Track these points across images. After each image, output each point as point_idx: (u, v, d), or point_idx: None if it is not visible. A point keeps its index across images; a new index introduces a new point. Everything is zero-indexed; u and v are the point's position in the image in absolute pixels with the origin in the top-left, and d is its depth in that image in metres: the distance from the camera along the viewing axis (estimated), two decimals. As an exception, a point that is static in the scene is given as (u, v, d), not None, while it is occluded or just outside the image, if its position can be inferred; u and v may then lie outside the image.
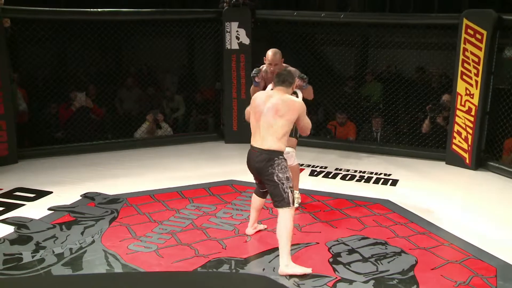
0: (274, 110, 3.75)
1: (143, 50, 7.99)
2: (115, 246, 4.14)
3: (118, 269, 3.80)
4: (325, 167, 6.31)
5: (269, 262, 3.93)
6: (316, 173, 6.13)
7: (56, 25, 6.70)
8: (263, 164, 3.77)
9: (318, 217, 4.80)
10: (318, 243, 4.26)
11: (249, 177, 5.64)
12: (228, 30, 7.10)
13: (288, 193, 3.75)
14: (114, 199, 5.14)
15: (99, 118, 7.57)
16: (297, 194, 4.93)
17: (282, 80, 3.90)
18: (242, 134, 7.28)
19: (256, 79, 4.65)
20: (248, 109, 4.28)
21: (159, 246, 4.15)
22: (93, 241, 4.21)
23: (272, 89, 4.03)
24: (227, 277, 3.77)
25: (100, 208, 4.91)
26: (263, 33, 7.80)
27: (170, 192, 5.36)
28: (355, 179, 5.93)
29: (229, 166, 6.28)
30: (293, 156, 4.78)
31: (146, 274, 3.77)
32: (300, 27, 7.50)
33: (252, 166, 3.91)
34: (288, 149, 4.54)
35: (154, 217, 4.74)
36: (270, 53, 4.61)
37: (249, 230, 4.39)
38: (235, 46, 7.14)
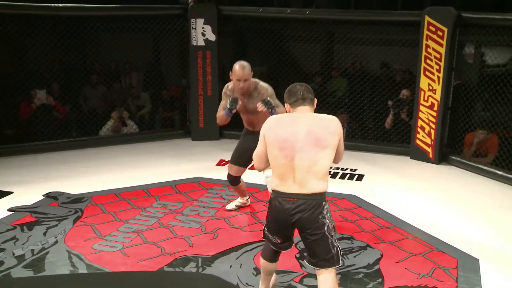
0: (315, 140, 2.83)
1: (108, 46, 7.86)
2: (79, 246, 4.08)
3: (82, 269, 3.74)
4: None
5: (236, 259, 3.93)
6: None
7: (16, 19, 6.53)
8: (309, 214, 2.83)
9: (285, 213, 4.81)
10: (285, 239, 4.27)
11: (216, 174, 5.69)
12: (194, 26, 7.05)
13: (336, 246, 2.92)
14: (78, 198, 5.05)
15: (62, 116, 7.42)
16: None
17: (302, 97, 2.95)
18: (208, 131, 7.27)
19: (233, 111, 4.09)
20: (222, 114, 4.08)
21: (124, 245, 4.10)
22: (56, 242, 4.13)
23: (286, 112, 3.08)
24: (172, 277, 3.73)
25: (63, 208, 4.82)
26: (229, 29, 7.78)
27: (135, 191, 5.30)
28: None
29: (195, 163, 6.24)
30: None
31: (111, 274, 3.72)
32: (266, 23, 7.51)
33: (285, 220, 2.90)
34: (268, 172, 3.87)
35: (119, 216, 4.68)
36: (237, 67, 4.02)
37: None
38: (201, 42, 7.09)
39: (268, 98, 3.99)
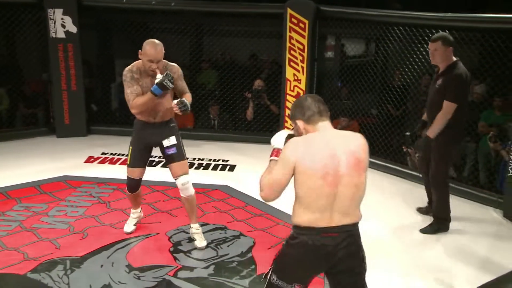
0: (357, 162, 2.38)
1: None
2: None
3: None
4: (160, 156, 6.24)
5: (108, 257, 3.80)
6: (154, 163, 6.03)
7: None
8: (354, 250, 2.42)
9: (158, 207, 4.75)
10: (158, 233, 4.22)
11: (85, 172, 5.44)
12: (52, 17, 6.65)
13: (364, 278, 2.52)
14: None
15: None
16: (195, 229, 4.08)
17: (318, 110, 2.46)
18: (74, 127, 6.94)
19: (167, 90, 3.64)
20: (147, 97, 3.59)
21: (-20, 254, 3.77)
22: None
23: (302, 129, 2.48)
24: None
25: None
26: (92, 21, 7.45)
27: (-7, 194, 4.90)
28: (194, 167, 5.97)
29: (62, 162, 5.92)
30: (191, 184, 3.98)
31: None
32: (132, 15, 7.30)
33: (322, 262, 2.41)
34: (186, 178, 3.89)
35: (-26, 223, 4.30)
36: (149, 46, 3.60)
37: None
38: (61, 34, 6.72)
39: (185, 100, 3.68)
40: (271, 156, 2.59)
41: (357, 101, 6.60)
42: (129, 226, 4.25)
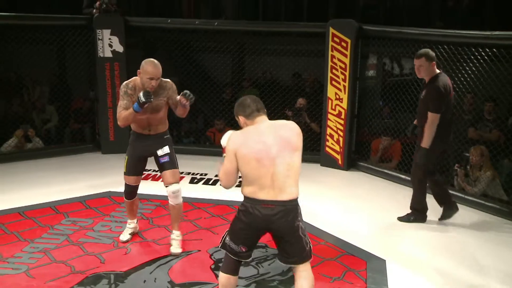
0: (286, 143, 2.94)
1: (7, 58, 7.47)
2: (-23, 271, 3.81)
3: (-19, 295, 3.51)
4: (205, 174, 6.32)
5: (150, 273, 3.86)
6: (196, 180, 6.11)
7: None
8: (289, 220, 2.95)
9: (200, 225, 4.80)
10: (200, 250, 4.25)
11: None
12: (100, 37, 6.87)
13: (309, 243, 3.08)
14: (-23, 220, 4.73)
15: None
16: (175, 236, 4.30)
17: (256, 108, 3.04)
18: (119, 144, 7.06)
19: (146, 106, 3.86)
20: (129, 112, 3.87)
21: (30, 266, 3.89)
22: (-49, 268, 3.84)
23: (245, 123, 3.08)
24: None
25: (-40, 231, 4.50)
26: (138, 40, 7.65)
27: (42, 208, 5.05)
28: (236, 185, 5.99)
29: (106, 178, 6.06)
30: (181, 193, 4.22)
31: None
32: (176, 34, 7.47)
33: (261, 227, 2.99)
34: (176, 186, 4.13)
35: (24, 235, 4.43)
36: (150, 65, 3.90)
37: None
38: (108, 54, 6.92)
39: (186, 91, 3.97)
40: (223, 153, 3.09)
41: (399, 120, 6.53)
42: (125, 235, 4.44)
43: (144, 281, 3.75)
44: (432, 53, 4.65)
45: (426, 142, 4.61)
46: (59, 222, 4.74)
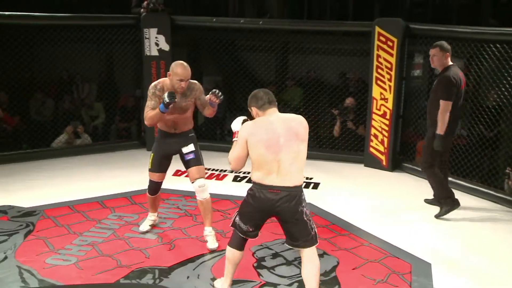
0: (294, 134, 3.20)
1: (59, 56, 7.70)
2: (31, 261, 3.96)
3: (34, 285, 3.63)
4: (249, 172, 6.35)
5: (193, 269, 3.91)
6: (239, 178, 6.16)
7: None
8: (292, 205, 3.18)
9: (242, 222, 4.82)
10: (243, 248, 4.27)
11: (172, 185, 5.62)
12: (147, 36, 7.00)
13: (314, 229, 3.29)
14: (30, 212, 4.90)
15: (11, 127, 7.21)
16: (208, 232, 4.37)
17: (268, 100, 3.28)
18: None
19: (171, 106, 3.98)
20: (155, 112, 3.98)
21: (79, 259, 4.01)
22: (5, 258, 3.99)
23: (255, 115, 3.33)
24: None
25: (14, 222, 4.67)
26: (183, 39, 7.75)
27: (90, 202, 5.20)
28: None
29: (151, 174, 6.17)
30: (208, 188, 4.29)
31: (65, 289, 3.63)
32: (221, 33, 7.52)
33: (267, 210, 3.24)
34: (202, 181, 4.23)
35: (74, 228, 4.57)
36: (180, 67, 4.00)
37: None
38: (154, 52, 7.04)
39: (215, 89, 4.07)
40: (233, 137, 3.42)
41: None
42: (144, 226, 4.61)
43: (188, 277, 3.80)
44: (447, 45, 4.77)
45: (441, 128, 4.69)
46: (106, 217, 4.86)
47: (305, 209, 3.23)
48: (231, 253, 3.43)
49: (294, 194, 3.19)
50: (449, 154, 5.40)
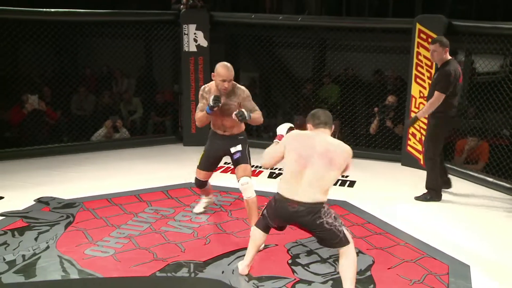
0: (328, 160, 3.28)
1: (100, 52, 7.86)
2: (71, 251, 4.05)
3: (74, 275, 3.72)
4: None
5: (228, 264, 3.93)
6: (275, 175, 6.16)
7: (7, 24, 6.51)
8: (307, 219, 3.29)
9: (277, 219, 4.82)
10: (277, 245, 4.27)
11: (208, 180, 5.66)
12: (186, 32, 7.07)
13: (342, 231, 3.33)
14: (70, 204, 5.02)
15: (53, 121, 7.40)
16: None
17: (324, 121, 3.42)
18: (200, 136, 7.21)
19: (215, 109, 4.12)
20: (202, 114, 4.13)
21: (116, 251, 4.08)
22: (47, 247, 4.10)
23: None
24: (180, 281, 3.74)
25: (55, 213, 4.80)
26: (221, 35, 7.79)
27: (127, 196, 5.28)
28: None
29: (187, 169, 6.18)
30: (252, 186, 4.30)
31: (103, 280, 3.70)
32: (259, 30, 7.53)
33: (286, 220, 3.42)
34: (246, 179, 4.26)
35: (111, 221, 4.66)
36: (222, 68, 4.10)
37: (244, 270, 3.73)
38: (193, 48, 7.11)
39: (242, 110, 4.13)
40: (275, 139, 3.69)
41: (488, 121, 6.22)
42: (198, 208, 4.91)
43: (223, 271, 3.82)
44: (446, 40, 5.04)
45: (423, 113, 5.18)
46: (143, 210, 4.94)
47: (325, 219, 3.29)
48: (255, 233, 3.62)
49: (311, 209, 3.28)
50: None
